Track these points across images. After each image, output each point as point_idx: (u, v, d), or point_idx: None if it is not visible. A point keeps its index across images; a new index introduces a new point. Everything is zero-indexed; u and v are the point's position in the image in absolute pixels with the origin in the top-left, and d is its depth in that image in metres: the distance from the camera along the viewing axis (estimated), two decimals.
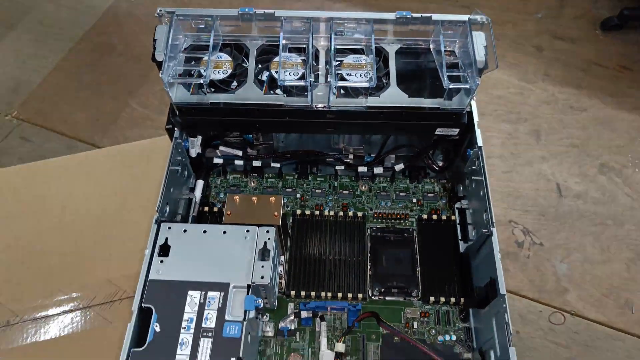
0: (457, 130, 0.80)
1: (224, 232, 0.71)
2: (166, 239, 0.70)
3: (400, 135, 0.88)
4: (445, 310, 0.83)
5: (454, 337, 0.80)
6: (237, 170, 0.98)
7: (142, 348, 0.62)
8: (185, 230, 0.71)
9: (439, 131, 0.80)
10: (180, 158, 0.83)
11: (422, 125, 0.79)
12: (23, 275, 0.90)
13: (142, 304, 0.65)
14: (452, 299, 0.82)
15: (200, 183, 0.91)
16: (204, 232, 0.71)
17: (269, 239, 0.71)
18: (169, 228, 0.71)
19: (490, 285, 0.71)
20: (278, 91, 0.76)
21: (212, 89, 0.76)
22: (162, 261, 0.69)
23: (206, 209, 0.89)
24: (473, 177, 0.81)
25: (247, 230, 0.71)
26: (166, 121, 0.81)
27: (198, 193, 0.89)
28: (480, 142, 0.79)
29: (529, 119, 1.57)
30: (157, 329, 0.63)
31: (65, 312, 0.85)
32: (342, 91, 0.77)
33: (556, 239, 1.33)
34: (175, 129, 0.80)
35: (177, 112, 0.77)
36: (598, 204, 1.40)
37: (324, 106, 0.75)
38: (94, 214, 0.96)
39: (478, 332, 0.79)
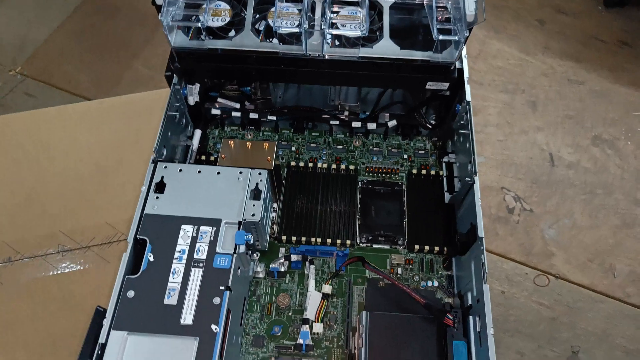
0: (447, 84, 0.82)
1: (218, 173, 0.74)
2: (162, 177, 0.74)
3: (392, 88, 0.90)
4: (429, 259, 0.86)
5: (435, 284, 0.84)
6: (235, 123, 1.01)
7: (136, 275, 0.66)
8: (180, 170, 0.74)
9: (429, 85, 0.83)
10: (178, 105, 0.85)
11: (413, 78, 0.81)
12: (25, 218, 0.93)
13: (137, 236, 0.69)
14: (436, 248, 0.85)
15: (198, 132, 0.93)
16: (199, 172, 0.74)
17: (260, 180, 0.74)
18: (165, 167, 0.75)
19: (471, 230, 0.74)
20: (274, 40, 0.79)
21: (211, 37, 0.79)
22: (157, 197, 0.72)
23: (203, 157, 0.92)
24: (461, 132, 0.83)
25: (240, 172, 0.74)
26: (165, 68, 0.84)
27: (196, 141, 0.92)
28: (469, 97, 0.81)
29: (526, 90, 1.59)
30: (151, 259, 0.67)
31: (65, 251, 0.89)
32: (336, 42, 0.79)
33: (546, 206, 1.36)
34: (174, 75, 0.83)
35: (176, 58, 0.79)
36: (589, 173, 1.42)
37: (318, 55, 0.77)
38: (96, 162, 0.99)
39: (459, 279, 0.82)
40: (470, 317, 0.72)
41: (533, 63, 1.65)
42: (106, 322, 0.62)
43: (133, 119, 1.04)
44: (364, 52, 0.78)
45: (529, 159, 1.43)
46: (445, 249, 0.85)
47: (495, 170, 1.41)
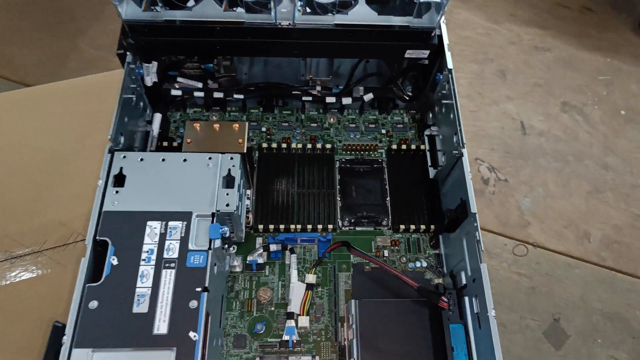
0: (427, 52, 0.77)
1: (184, 160, 0.67)
2: (121, 168, 0.65)
3: (369, 57, 0.84)
4: (415, 238, 0.82)
5: (424, 264, 0.79)
6: (198, 104, 0.93)
7: (99, 283, 0.58)
8: (141, 159, 0.66)
9: (408, 53, 0.77)
10: (134, 86, 0.76)
11: (391, 46, 0.75)
12: None
13: (97, 237, 0.61)
14: (422, 227, 0.81)
15: (157, 116, 0.85)
16: (163, 160, 0.66)
17: (233, 166, 0.67)
18: (124, 157, 0.66)
19: (461, 206, 0.70)
20: (239, 9, 0.71)
21: (167, 7, 0.70)
22: (117, 192, 0.64)
23: (165, 143, 0.84)
24: (443, 102, 0.78)
25: (210, 158, 0.67)
26: (117, 45, 0.74)
27: (156, 126, 0.83)
28: (450, 65, 0.76)
29: (495, 60, 1.56)
30: (115, 262, 0.59)
31: (13, 257, 0.80)
32: (307, 9, 0.72)
33: (520, 176, 1.35)
34: (128, 53, 0.74)
35: (129, 32, 0.70)
36: (559, 141, 1.42)
37: (289, 24, 0.70)
38: (44, 152, 0.89)
39: (448, 258, 0.78)
40: (466, 298, 0.68)
41: (500, 32, 1.62)
42: (66, 339, 0.54)
43: (83, 105, 0.94)
44: (339, 19, 0.71)
45: (501, 129, 1.41)
46: (432, 227, 0.81)
47: (469, 142, 1.38)
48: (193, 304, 0.57)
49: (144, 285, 0.58)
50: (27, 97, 0.95)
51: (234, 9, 0.71)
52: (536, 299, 1.17)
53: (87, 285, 0.58)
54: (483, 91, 1.48)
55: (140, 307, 0.57)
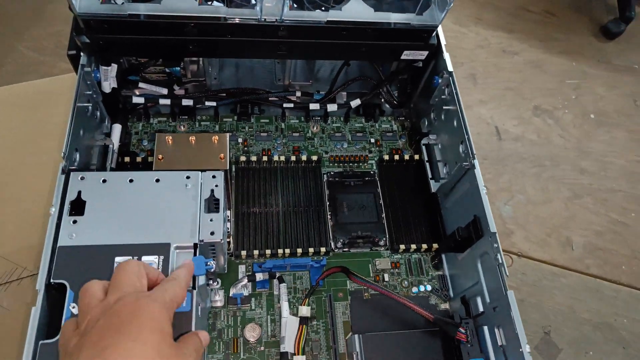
0: (426, 53, 0.70)
1: (157, 180, 0.56)
2: (79, 192, 0.54)
3: (363, 59, 0.76)
4: (416, 259, 0.74)
5: (428, 288, 0.72)
6: (162, 113, 0.81)
7: (56, 339, 0.46)
8: (104, 180, 0.55)
9: (405, 54, 0.69)
10: (90, 93, 0.65)
11: (389, 46, 0.67)
12: None
13: (51, 280, 0.49)
14: (424, 246, 0.73)
15: (117, 128, 0.73)
16: (131, 181, 0.55)
17: (216, 185, 0.56)
18: (82, 178, 0.55)
19: (474, 224, 0.62)
20: (217, 3, 0.61)
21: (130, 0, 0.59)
22: (75, 221, 0.52)
23: (127, 159, 0.72)
24: (444, 108, 0.71)
25: (188, 177, 0.56)
26: (68, 45, 0.62)
27: (116, 139, 0.72)
28: (450, 67, 0.69)
29: (465, 63, 1.52)
30: (75, 311, 0.48)
31: None
32: (296, 4, 0.63)
33: (499, 182, 1.30)
34: (82, 54, 0.62)
35: (84, 29, 0.59)
36: (535, 145, 1.39)
37: (275, 20, 0.61)
38: None
39: (454, 279, 0.71)
40: (485, 328, 0.61)
41: (468, 35, 1.58)
42: None
43: (25, 115, 0.80)
44: (332, 15, 0.62)
45: (477, 134, 1.37)
46: (434, 245, 0.73)
47: None
48: None
49: None
50: None
51: (210, 2, 0.61)
52: (525, 311, 1.12)
53: (40, 342, 0.46)
54: None
55: None
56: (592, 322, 1.15)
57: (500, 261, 0.57)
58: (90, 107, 0.65)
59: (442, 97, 0.71)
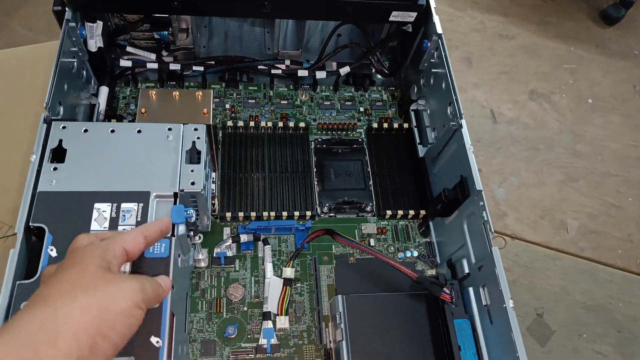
0: (415, 14, 0.69)
1: (139, 131, 0.55)
2: (60, 141, 0.53)
3: (350, 21, 0.75)
4: (403, 225, 0.73)
5: (415, 254, 0.71)
6: (150, 79, 0.81)
7: (33, 279, 0.46)
8: (85, 130, 0.54)
9: (394, 16, 0.69)
10: (75, 50, 0.64)
11: (376, 5, 0.67)
12: None
13: (30, 223, 0.48)
14: (411, 212, 0.72)
15: (104, 90, 0.72)
16: (112, 131, 0.55)
17: (198, 138, 0.56)
18: (64, 127, 0.54)
19: (461, 184, 0.62)
20: None
21: None
22: (55, 169, 0.51)
23: (114, 121, 0.71)
24: (433, 71, 0.70)
25: (169, 129, 0.56)
26: (53, 1, 0.62)
27: (102, 101, 0.71)
28: (439, 29, 0.68)
29: (460, 46, 1.51)
30: (53, 254, 0.47)
31: None
32: None
33: (493, 165, 1.30)
34: (67, 9, 0.62)
35: None
36: (529, 129, 1.38)
37: None
38: None
39: (441, 246, 0.70)
40: (470, 289, 0.60)
41: (463, 18, 1.58)
42: None
43: (13, 78, 0.80)
44: None
45: (471, 117, 1.36)
46: (421, 212, 0.72)
47: None
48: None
49: None
50: None
51: None
52: (517, 291, 1.12)
53: (18, 282, 0.45)
54: None
55: None
56: (585, 304, 1.14)
57: (486, 219, 0.57)
58: (75, 64, 0.64)
59: (432, 60, 0.71)
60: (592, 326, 1.11)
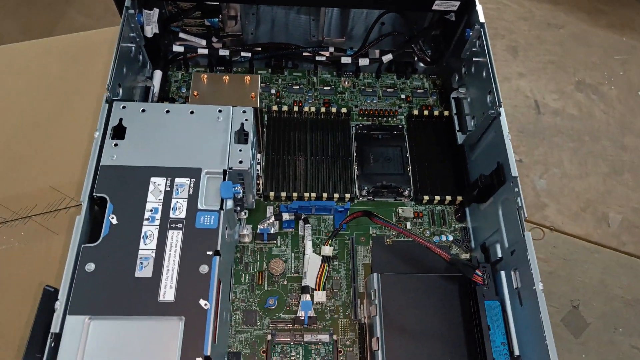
0: (458, 3, 0.70)
1: (192, 112, 0.59)
2: (120, 119, 0.58)
3: (393, 9, 0.76)
4: (439, 211, 0.75)
5: (450, 238, 0.73)
6: (201, 64, 0.85)
7: (97, 243, 0.51)
8: (143, 110, 0.59)
9: (437, 5, 0.70)
10: (133, 35, 0.69)
11: None
12: None
13: (94, 194, 0.53)
14: (448, 198, 0.74)
15: (158, 73, 0.77)
16: (167, 112, 0.59)
17: (246, 120, 0.60)
18: (124, 107, 0.59)
19: (497, 171, 0.63)
20: None
21: None
22: (116, 144, 0.56)
23: (167, 103, 0.76)
24: (474, 59, 0.71)
25: (220, 110, 0.60)
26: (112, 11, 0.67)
27: (156, 83, 0.76)
28: (482, 19, 0.69)
29: (506, 35, 1.49)
30: (114, 222, 0.52)
31: (0, 223, 0.72)
32: None
33: (535, 155, 1.29)
34: None
35: None
36: (575, 120, 1.36)
37: None
38: (30, 114, 0.81)
39: (476, 231, 0.72)
40: (502, 273, 0.62)
41: (510, 7, 1.55)
42: (59, 305, 0.47)
43: (75, 61, 0.86)
44: None
45: (514, 107, 1.35)
46: (458, 198, 0.74)
47: None
48: (204, 268, 0.50)
49: (147, 247, 0.51)
50: (10, 55, 0.86)
51: None
52: (554, 283, 1.12)
53: (82, 245, 0.50)
54: None
55: (144, 271, 0.50)
56: (624, 298, 1.13)
57: (520, 204, 0.58)
58: (133, 49, 0.69)
59: (473, 49, 0.72)
60: (629, 320, 1.10)
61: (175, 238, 0.52)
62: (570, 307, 1.10)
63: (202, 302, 0.49)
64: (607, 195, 1.25)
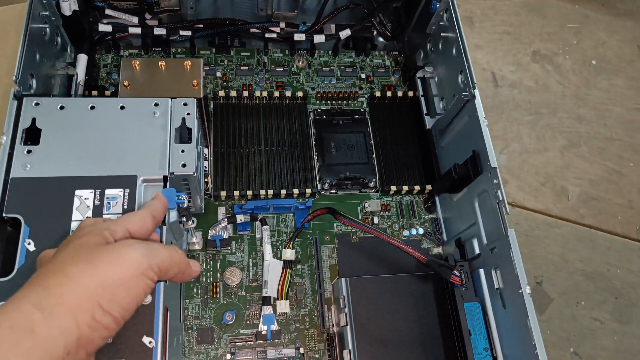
0: None
1: (122, 107, 0.50)
2: (33, 119, 0.48)
3: None
4: (408, 201, 0.70)
5: (420, 231, 0.68)
6: (134, 45, 0.74)
7: (9, 277, 0.42)
8: (62, 107, 0.49)
9: None
10: (46, 14, 0.58)
11: None
12: None
13: (4, 214, 0.44)
14: (416, 187, 0.68)
15: (82, 58, 0.66)
16: (92, 108, 0.49)
17: (188, 114, 0.51)
18: (37, 104, 0.48)
19: (472, 159, 0.58)
20: None
21: None
22: (29, 151, 0.46)
23: (95, 93, 0.66)
24: (442, 35, 0.65)
25: (156, 104, 0.50)
26: None
27: (81, 70, 0.65)
28: None
29: (460, 5, 1.43)
30: (31, 248, 0.43)
31: None
32: None
33: (494, 130, 1.25)
34: None
35: None
36: (532, 92, 1.33)
37: None
38: None
39: (448, 223, 0.67)
40: (481, 271, 0.57)
41: None
42: None
43: None
44: None
45: None
46: (427, 187, 0.68)
47: None
48: (146, 299, 0.42)
49: None
50: None
51: None
52: None
53: None
54: None
55: None
56: (584, 272, 1.13)
57: (501, 198, 0.53)
58: (47, 30, 0.58)
59: (440, 23, 0.65)
60: (590, 294, 1.10)
61: None
62: (534, 283, 1.09)
63: (145, 339, 0.41)
64: (566, 169, 1.24)
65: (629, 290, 1.13)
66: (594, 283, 1.11)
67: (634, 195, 1.23)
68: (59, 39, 0.62)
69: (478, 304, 0.56)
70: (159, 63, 0.55)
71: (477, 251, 0.58)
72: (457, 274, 0.55)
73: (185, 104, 0.51)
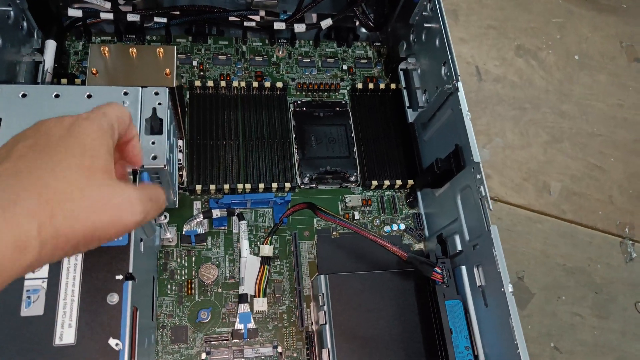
0: None
1: (89, 96, 0.47)
2: None
3: None
4: (389, 196, 0.68)
5: (402, 226, 0.66)
6: (106, 32, 0.71)
7: None
8: (24, 95, 0.46)
9: None
10: None
11: None
12: None
13: None
14: (398, 182, 0.67)
15: (51, 44, 0.63)
16: (56, 96, 0.46)
17: (159, 104, 0.48)
18: None
19: (455, 154, 0.56)
20: None
21: None
22: None
23: (64, 81, 0.63)
24: (425, 26, 0.63)
25: (125, 93, 0.48)
26: None
27: (49, 57, 0.62)
28: None
29: None
30: None
31: None
32: None
33: (478, 125, 1.25)
34: None
35: None
36: (516, 87, 1.33)
37: None
38: None
39: (430, 218, 0.66)
40: (463, 268, 0.56)
41: None
42: None
43: None
44: None
45: None
46: (409, 182, 0.67)
47: None
48: (112, 298, 0.40)
49: (35, 277, 0.40)
50: None
51: None
52: None
53: None
54: None
55: (32, 307, 0.39)
56: (565, 267, 1.13)
57: (484, 194, 0.52)
58: (11, 13, 0.55)
59: (424, 14, 0.64)
60: (571, 289, 1.11)
61: (72, 262, 0.41)
62: (515, 279, 1.09)
63: (112, 341, 0.39)
64: (548, 165, 1.24)
65: (609, 286, 1.14)
66: (574, 278, 1.12)
67: (614, 191, 1.24)
68: (25, 23, 0.59)
69: (459, 301, 0.54)
70: (130, 50, 0.52)
71: (459, 248, 0.57)
72: (439, 271, 0.54)
73: (156, 93, 0.48)
